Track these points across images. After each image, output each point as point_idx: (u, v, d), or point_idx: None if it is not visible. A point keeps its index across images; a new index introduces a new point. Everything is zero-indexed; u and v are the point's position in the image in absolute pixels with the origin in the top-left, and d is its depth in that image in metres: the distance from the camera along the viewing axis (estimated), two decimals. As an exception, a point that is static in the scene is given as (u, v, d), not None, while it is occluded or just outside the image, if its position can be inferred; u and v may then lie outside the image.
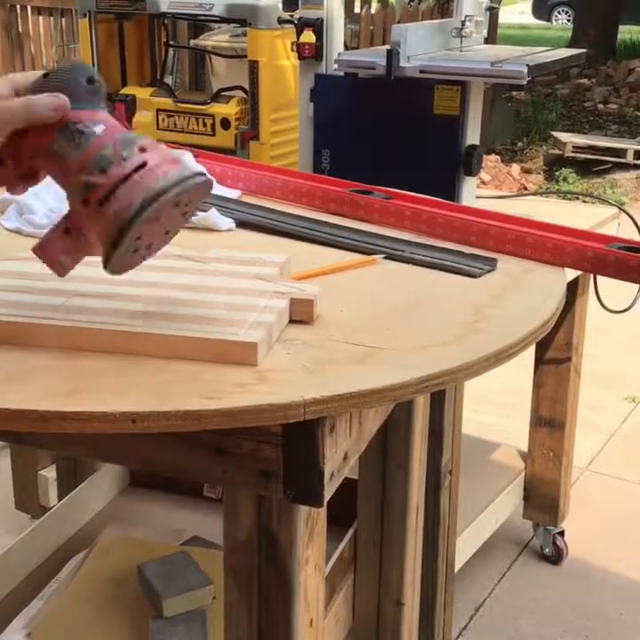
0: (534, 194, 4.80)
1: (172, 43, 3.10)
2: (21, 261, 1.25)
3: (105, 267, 1.01)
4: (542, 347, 2.37)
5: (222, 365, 1.07)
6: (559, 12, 19.23)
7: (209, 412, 0.98)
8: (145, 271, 1.27)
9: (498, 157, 6.59)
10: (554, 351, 2.37)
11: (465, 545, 2.22)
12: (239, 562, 1.18)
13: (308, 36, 2.10)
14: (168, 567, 1.90)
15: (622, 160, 6.92)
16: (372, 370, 1.09)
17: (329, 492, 1.09)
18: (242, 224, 1.64)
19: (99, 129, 0.98)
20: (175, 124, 2.58)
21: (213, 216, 1.62)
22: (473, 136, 2.01)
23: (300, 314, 1.21)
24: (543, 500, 2.52)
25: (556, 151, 7.23)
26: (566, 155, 7.04)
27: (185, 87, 4.73)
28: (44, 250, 1.03)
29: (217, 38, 3.02)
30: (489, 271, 1.45)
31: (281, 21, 2.35)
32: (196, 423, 0.98)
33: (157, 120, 2.60)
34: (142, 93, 2.64)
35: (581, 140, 7.25)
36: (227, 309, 1.16)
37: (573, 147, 7.05)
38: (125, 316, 1.13)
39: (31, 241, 1.19)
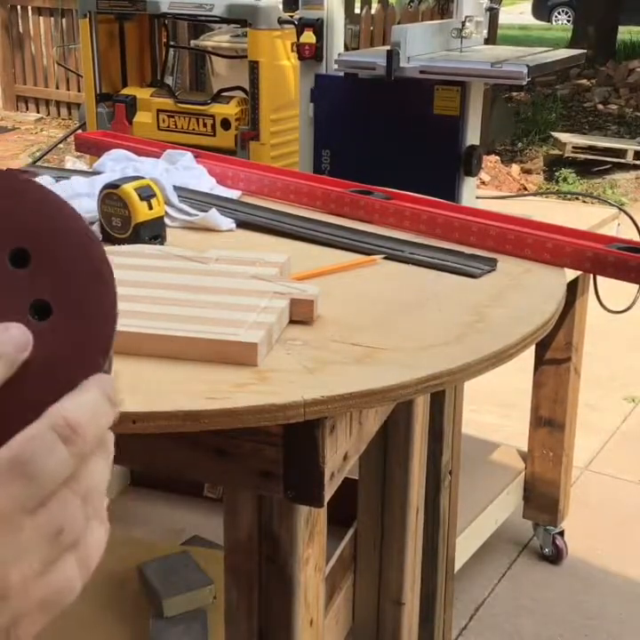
0: (534, 194, 4.80)
1: (172, 43, 3.10)
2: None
3: None
4: (542, 347, 2.37)
5: (222, 365, 1.07)
6: (559, 13, 19.21)
7: (209, 412, 0.98)
8: (145, 271, 1.27)
9: (498, 158, 6.58)
10: (554, 351, 2.37)
11: (465, 545, 2.22)
12: (239, 562, 1.18)
13: (309, 37, 2.10)
14: (168, 567, 1.91)
15: (622, 160, 6.92)
16: (371, 370, 1.09)
17: (329, 492, 1.09)
18: (242, 224, 1.65)
19: None
20: (175, 125, 2.58)
21: (214, 216, 1.62)
22: (473, 136, 2.01)
23: (300, 314, 1.21)
24: (543, 499, 2.52)
25: (556, 151, 7.23)
26: (566, 155, 7.04)
27: (185, 87, 4.74)
28: None
29: (217, 39, 3.02)
30: (489, 271, 1.45)
31: (281, 22, 2.35)
32: (196, 423, 0.98)
33: (158, 120, 2.60)
34: (142, 94, 2.64)
35: (581, 140, 7.25)
36: (227, 309, 1.16)
37: (573, 147, 7.04)
38: (126, 316, 1.13)
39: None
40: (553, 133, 7.57)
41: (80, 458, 0.43)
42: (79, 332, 0.47)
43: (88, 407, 0.44)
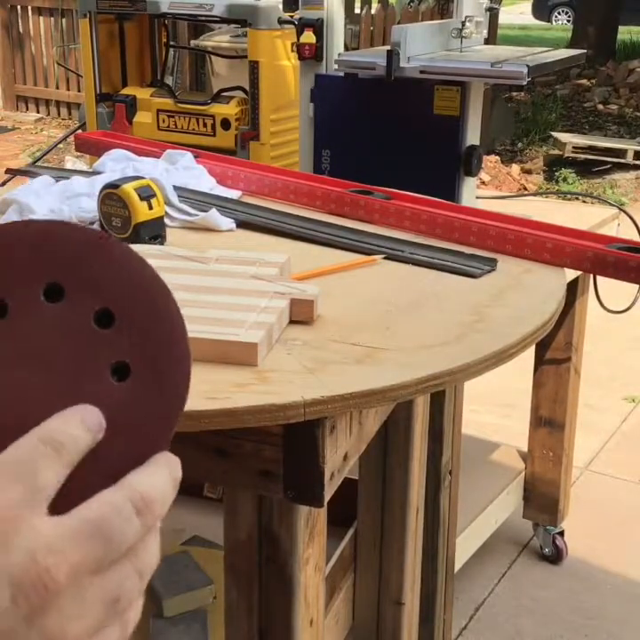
0: (534, 194, 4.80)
1: (172, 43, 3.10)
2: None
3: None
4: (542, 347, 2.37)
5: (222, 365, 1.07)
6: (559, 13, 19.22)
7: (209, 412, 0.98)
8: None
9: (498, 158, 6.58)
10: (554, 351, 2.37)
11: (465, 545, 2.22)
12: (239, 562, 1.18)
13: (309, 37, 2.10)
14: (168, 567, 1.90)
15: (622, 160, 6.92)
16: (371, 370, 1.09)
17: (329, 492, 1.09)
18: (242, 224, 1.65)
19: None
20: (175, 125, 2.58)
21: (214, 216, 1.62)
22: (473, 136, 2.01)
23: (301, 314, 1.21)
24: (543, 499, 2.52)
25: (556, 151, 7.23)
26: (566, 155, 7.04)
27: (185, 87, 4.75)
28: None
29: (217, 39, 3.03)
30: (489, 271, 1.45)
31: (281, 22, 2.35)
32: (196, 423, 0.98)
33: (158, 120, 2.60)
34: (143, 94, 2.64)
35: (581, 140, 7.25)
36: (227, 310, 1.16)
37: (573, 147, 7.04)
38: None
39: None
40: (553, 133, 7.57)
41: (146, 531, 0.44)
42: (154, 405, 0.48)
43: (160, 487, 0.46)
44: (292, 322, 1.20)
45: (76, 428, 0.45)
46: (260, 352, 1.08)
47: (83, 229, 0.48)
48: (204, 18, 2.56)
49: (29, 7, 8.37)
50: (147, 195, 1.49)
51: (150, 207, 1.49)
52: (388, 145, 2.05)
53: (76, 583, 0.41)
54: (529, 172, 6.84)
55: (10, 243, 0.46)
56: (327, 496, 1.09)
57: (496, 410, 3.34)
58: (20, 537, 0.40)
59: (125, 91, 2.67)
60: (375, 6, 6.76)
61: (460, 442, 1.95)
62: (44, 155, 3.74)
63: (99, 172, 1.80)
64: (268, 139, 2.43)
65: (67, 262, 0.47)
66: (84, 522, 0.42)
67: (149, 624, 1.81)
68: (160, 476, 0.46)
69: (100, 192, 1.52)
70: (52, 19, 8.17)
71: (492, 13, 2.30)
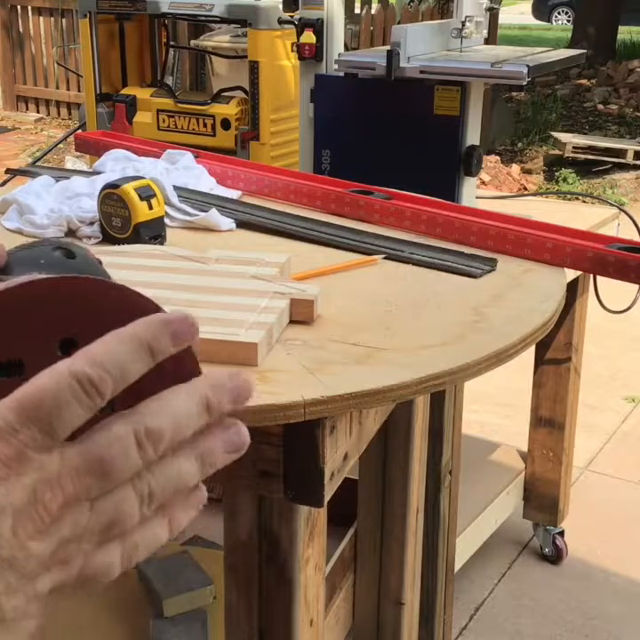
0: (534, 194, 4.80)
1: (172, 43, 3.10)
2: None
3: None
4: (542, 347, 2.37)
5: (222, 366, 1.07)
6: (559, 13, 19.22)
7: (209, 411, 0.98)
8: (145, 271, 1.27)
9: (498, 158, 6.59)
10: (554, 351, 2.37)
11: (465, 545, 2.22)
12: (239, 562, 1.18)
13: (309, 37, 2.10)
14: (168, 567, 1.91)
15: (622, 160, 6.92)
16: (371, 370, 1.09)
17: (329, 492, 1.09)
18: (242, 224, 1.64)
19: None
20: (175, 125, 2.58)
21: (214, 216, 1.62)
22: (473, 136, 2.01)
23: (301, 314, 1.21)
24: (543, 499, 2.53)
25: (556, 151, 7.23)
26: (566, 155, 7.04)
27: (185, 88, 4.75)
28: None
29: (217, 39, 3.03)
30: (489, 271, 1.45)
31: (281, 22, 2.35)
32: (196, 423, 0.98)
33: (158, 120, 2.60)
34: (143, 94, 2.64)
35: (581, 140, 7.25)
36: (227, 309, 1.16)
37: (573, 147, 7.04)
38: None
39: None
40: (553, 133, 7.57)
41: (152, 460, 0.45)
42: None
43: (172, 414, 0.45)
44: (292, 322, 1.20)
45: (130, 357, 0.44)
46: (260, 352, 1.08)
47: (92, 281, 0.49)
48: (203, 18, 2.56)
49: (29, 7, 8.37)
50: (147, 195, 1.49)
51: (150, 207, 1.49)
52: (387, 145, 2.05)
53: (71, 511, 0.43)
54: (529, 172, 6.84)
55: (23, 301, 0.47)
56: (327, 496, 1.09)
57: (496, 410, 3.34)
58: (24, 476, 0.42)
59: (125, 91, 2.67)
60: (375, 6, 6.77)
61: (460, 442, 1.95)
62: (44, 155, 3.74)
63: (99, 172, 1.80)
64: (268, 139, 2.43)
65: (79, 316, 0.48)
66: (86, 457, 0.43)
67: (149, 624, 1.81)
68: (172, 404, 0.45)
69: (100, 192, 1.52)
70: (52, 19, 8.17)
71: (492, 13, 2.30)
